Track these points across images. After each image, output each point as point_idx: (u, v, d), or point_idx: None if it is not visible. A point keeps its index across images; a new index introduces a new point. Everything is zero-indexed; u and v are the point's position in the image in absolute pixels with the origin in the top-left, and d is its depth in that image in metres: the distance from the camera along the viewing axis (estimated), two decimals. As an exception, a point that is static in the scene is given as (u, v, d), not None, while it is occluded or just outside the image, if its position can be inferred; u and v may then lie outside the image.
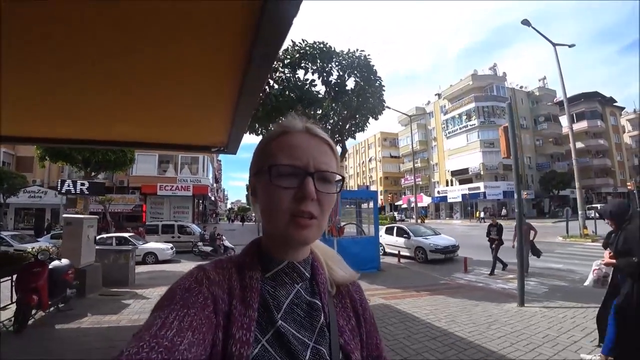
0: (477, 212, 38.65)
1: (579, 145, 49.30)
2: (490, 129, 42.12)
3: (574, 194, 45.92)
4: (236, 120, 4.69)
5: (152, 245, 13.99)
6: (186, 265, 11.78)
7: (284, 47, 9.47)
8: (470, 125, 42.91)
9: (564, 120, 50.01)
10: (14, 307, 4.99)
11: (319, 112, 10.00)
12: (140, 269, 10.22)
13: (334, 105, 9.96)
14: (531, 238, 8.76)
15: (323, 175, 0.60)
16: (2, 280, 5.47)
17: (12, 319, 4.87)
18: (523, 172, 44.88)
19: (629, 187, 28.20)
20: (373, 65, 10.06)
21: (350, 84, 9.98)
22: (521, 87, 49.88)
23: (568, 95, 52.99)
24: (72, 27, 2.30)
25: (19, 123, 5.24)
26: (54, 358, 3.75)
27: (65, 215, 9.04)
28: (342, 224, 9.24)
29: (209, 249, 14.74)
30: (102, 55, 2.82)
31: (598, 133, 50.60)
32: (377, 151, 62.42)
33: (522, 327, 4.84)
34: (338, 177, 0.62)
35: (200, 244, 15.45)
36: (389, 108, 29.19)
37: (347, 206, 10.96)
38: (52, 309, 5.59)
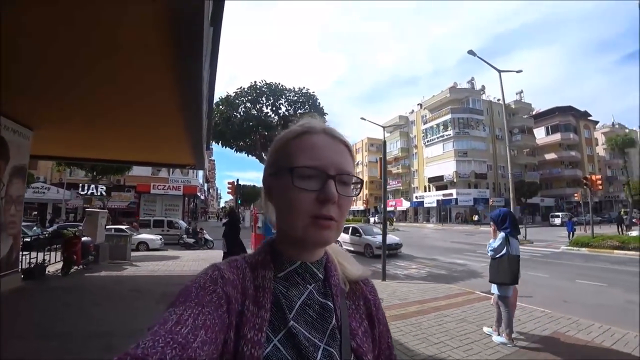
0: (474, 216, 41.22)
1: (553, 156, 52.40)
2: (464, 139, 45.14)
3: (544, 202, 49.16)
4: (192, 148, 7.71)
5: (144, 236, 16.63)
6: (172, 253, 14.59)
7: (248, 84, 12.52)
8: (446, 135, 45.93)
9: (538, 132, 53.16)
10: (61, 263, 8.56)
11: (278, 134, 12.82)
12: (134, 254, 13.07)
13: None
14: None
15: (343, 178, 0.60)
16: (56, 246, 9.09)
17: (61, 269, 8.37)
18: (496, 181, 47.87)
19: (575, 197, 31.16)
20: (317, 99, 12.90)
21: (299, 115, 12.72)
22: (498, 99, 52.69)
23: (545, 109, 55.66)
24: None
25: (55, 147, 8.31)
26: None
27: (87, 209, 12.34)
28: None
29: (191, 240, 17.72)
30: (107, 110, 5.83)
31: (571, 145, 52.80)
32: (364, 156, 65.16)
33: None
34: (356, 180, 0.63)
35: (185, 236, 18.36)
36: (364, 119, 32.37)
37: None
38: (81, 266, 9.04)
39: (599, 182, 17.70)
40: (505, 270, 4.24)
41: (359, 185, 0.64)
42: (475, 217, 41.11)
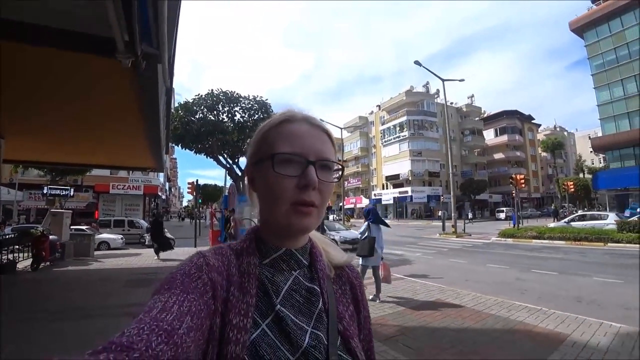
0: (436, 211, 43.61)
1: (500, 156, 56.36)
2: (418, 140, 47.78)
3: (492, 198, 52.75)
4: (152, 153, 8.69)
5: (105, 235, 17.08)
6: (133, 251, 15.27)
7: (205, 92, 13.52)
8: (402, 136, 48.41)
9: (487, 134, 56.97)
10: (31, 259, 9.33)
11: (234, 139, 14.08)
12: (96, 253, 13.70)
13: (241, 136, 13.85)
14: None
15: (324, 164, 0.61)
16: (20, 246, 9.75)
17: (30, 265, 9.15)
18: (448, 179, 50.89)
19: (512, 194, 34.31)
20: (270, 107, 14.06)
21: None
22: (451, 103, 56.03)
23: (494, 112, 59.24)
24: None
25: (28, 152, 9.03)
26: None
27: (52, 210, 12.95)
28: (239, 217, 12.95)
29: (153, 239, 18.27)
30: (81, 131, 6.75)
31: (517, 146, 57.11)
32: (325, 155, 66.58)
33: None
34: (337, 166, 0.64)
35: (146, 235, 18.82)
36: (323, 121, 33.61)
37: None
38: (48, 263, 9.78)
39: (522, 181, 20.13)
40: (366, 247, 5.98)
41: (340, 172, 0.65)
42: (440, 212, 43.43)
